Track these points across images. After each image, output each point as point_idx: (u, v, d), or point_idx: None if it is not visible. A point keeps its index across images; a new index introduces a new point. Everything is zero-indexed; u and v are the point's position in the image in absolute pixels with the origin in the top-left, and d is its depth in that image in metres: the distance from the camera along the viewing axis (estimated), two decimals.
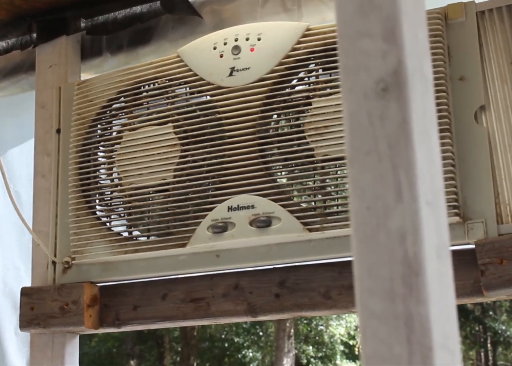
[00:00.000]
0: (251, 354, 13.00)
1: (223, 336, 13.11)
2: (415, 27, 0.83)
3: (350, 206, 0.78)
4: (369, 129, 0.79)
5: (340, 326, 12.65)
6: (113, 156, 2.10)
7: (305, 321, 12.60)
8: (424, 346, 0.72)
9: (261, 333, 13.11)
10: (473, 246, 1.72)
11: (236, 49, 1.99)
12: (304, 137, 1.88)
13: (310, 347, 12.90)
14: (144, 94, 2.11)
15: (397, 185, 0.76)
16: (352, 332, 12.66)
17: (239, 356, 12.89)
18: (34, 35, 2.44)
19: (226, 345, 13.07)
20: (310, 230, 1.83)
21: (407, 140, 0.77)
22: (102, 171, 2.13)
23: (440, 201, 0.79)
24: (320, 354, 12.83)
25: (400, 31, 0.80)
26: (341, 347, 12.87)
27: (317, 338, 12.82)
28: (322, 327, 12.72)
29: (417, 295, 0.73)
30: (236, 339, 12.87)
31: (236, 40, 2.00)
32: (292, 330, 11.92)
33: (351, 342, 13.01)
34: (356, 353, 12.82)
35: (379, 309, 0.74)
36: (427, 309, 0.73)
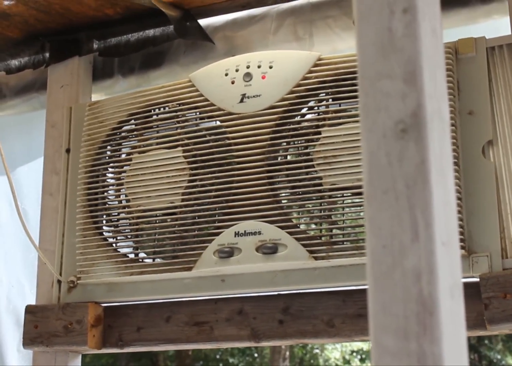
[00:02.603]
0: None
1: (217, 356, 13.06)
2: (434, 70, 0.85)
3: (367, 244, 0.80)
4: (388, 168, 0.80)
5: (335, 350, 12.61)
6: (122, 178, 2.12)
7: (300, 344, 12.56)
8: None
9: (256, 355, 13.07)
10: (477, 280, 1.73)
11: (248, 76, 2.01)
12: (313, 166, 1.90)
13: None
14: (155, 117, 2.13)
15: (414, 224, 0.78)
16: (347, 357, 12.62)
17: None
18: (47, 54, 2.47)
19: (221, 365, 13.02)
20: (316, 258, 1.85)
21: (424, 181, 0.79)
22: (110, 192, 2.15)
23: (454, 241, 0.81)
24: None
25: (420, 73, 0.82)
26: None
27: (312, 361, 12.77)
28: (317, 351, 12.69)
29: (431, 333, 0.75)
30: (231, 360, 12.82)
31: (248, 67, 2.02)
32: (287, 353, 11.89)
33: None
34: None
35: (392, 346, 0.76)
36: (440, 348, 0.74)
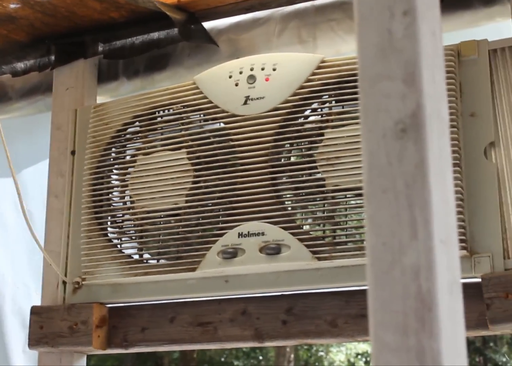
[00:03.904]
0: None
1: (222, 359, 13.06)
2: (433, 71, 0.86)
3: (367, 241, 0.81)
4: (387, 168, 0.82)
5: (340, 352, 12.61)
6: (126, 180, 2.13)
7: (305, 347, 12.56)
8: None
9: (260, 357, 13.07)
10: (479, 280, 1.75)
11: (252, 78, 2.03)
12: (316, 167, 1.92)
13: None
14: (159, 119, 2.14)
15: (413, 223, 0.79)
16: (352, 359, 12.62)
17: None
18: (52, 57, 2.48)
19: None
20: (319, 259, 1.86)
21: (423, 180, 0.80)
22: (115, 193, 2.17)
23: (453, 239, 0.82)
24: None
25: (419, 74, 0.83)
26: None
27: (317, 364, 12.77)
28: (322, 353, 12.69)
29: (430, 329, 0.76)
30: (235, 363, 12.83)
31: (251, 69, 2.03)
32: (292, 355, 11.89)
33: None
34: None
35: (392, 342, 0.77)
36: (438, 343, 0.76)
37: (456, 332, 0.79)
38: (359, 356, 12.55)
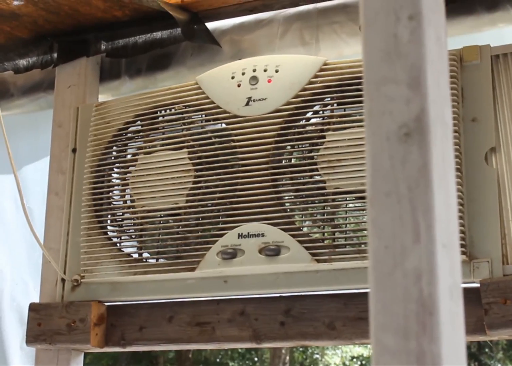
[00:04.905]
0: None
1: (217, 360, 13.06)
2: (438, 75, 0.86)
3: (369, 244, 0.81)
4: (390, 171, 0.82)
5: (335, 355, 12.61)
6: (127, 178, 2.14)
7: (300, 349, 12.56)
8: None
9: (256, 359, 13.07)
10: (477, 285, 1.75)
11: (254, 79, 2.03)
12: (317, 169, 1.92)
13: None
14: (161, 118, 2.15)
15: (415, 226, 0.79)
16: (347, 362, 12.62)
17: None
18: (55, 55, 2.49)
19: None
20: (318, 261, 1.86)
21: (426, 184, 0.80)
22: (115, 192, 2.17)
23: (455, 243, 0.83)
24: None
25: (424, 79, 0.84)
26: None
27: None
28: (317, 356, 12.69)
29: (430, 333, 0.76)
30: (231, 364, 12.83)
31: (254, 70, 2.04)
32: (287, 358, 11.89)
33: None
34: None
35: (392, 345, 0.77)
36: (439, 347, 0.76)
37: (457, 336, 0.79)
38: (354, 360, 12.55)
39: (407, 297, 0.78)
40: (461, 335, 0.80)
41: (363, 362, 12.45)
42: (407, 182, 0.81)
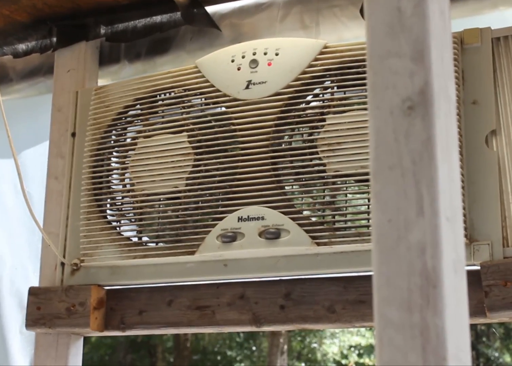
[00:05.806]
0: None
1: (216, 349, 13.09)
2: (441, 49, 0.86)
3: (372, 218, 0.81)
4: (394, 145, 0.82)
5: (333, 344, 12.63)
6: (127, 162, 2.13)
7: (298, 338, 12.59)
8: (439, 356, 0.75)
9: (254, 348, 13.09)
10: (478, 268, 1.75)
11: (254, 62, 2.02)
12: (317, 152, 1.91)
13: (303, 364, 12.87)
14: (160, 102, 2.14)
15: (419, 200, 0.79)
16: (345, 351, 12.64)
17: None
18: (54, 39, 2.48)
19: (219, 358, 13.05)
20: (318, 244, 1.86)
21: (430, 157, 0.80)
22: (115, 176, 2.16)
23: (458, 217, 0.83)
24: None
25: (428, 52, 0.83)
26: None
27: (310, 355, 12.80)
28: (315, 345, 12.71)
29: (434, 306, 0.76)
30: (229, 353, 12.85)
31: (254, 54, 2.03)
32: (286, 346, 11.91)
33: (343, 361, 12.98)
34: None
35: (396, 318, 0.77)
36: (443, 320, 0.76)
37: (460, 310, 0.79)
38: (352, 348, 12.57)
39: (411, 270, 0.78)
40: (464, 309, 0.80)
41: (361, 351, 12.48)
42: (411, 155, 0.81)
